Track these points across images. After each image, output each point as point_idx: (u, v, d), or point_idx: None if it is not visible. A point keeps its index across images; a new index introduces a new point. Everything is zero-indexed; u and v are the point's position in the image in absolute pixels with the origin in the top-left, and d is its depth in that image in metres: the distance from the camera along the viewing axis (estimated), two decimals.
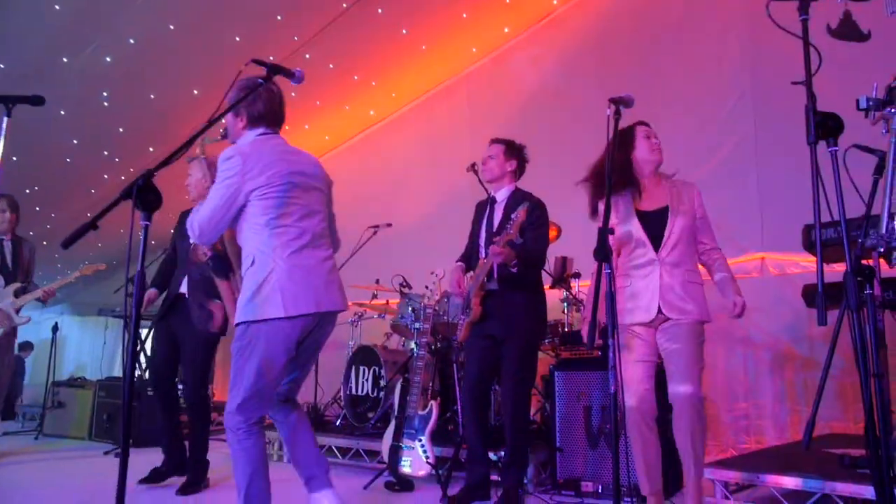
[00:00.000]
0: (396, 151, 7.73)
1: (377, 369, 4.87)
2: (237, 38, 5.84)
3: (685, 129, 5.34)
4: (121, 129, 6.46)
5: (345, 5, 5.86)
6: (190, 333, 3.83)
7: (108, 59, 5.64)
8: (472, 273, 3.63)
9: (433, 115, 7.55)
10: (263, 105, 2.58)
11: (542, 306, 3.55)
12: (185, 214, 4.00)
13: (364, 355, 5.03)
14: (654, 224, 2.79)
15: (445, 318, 4.64)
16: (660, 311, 2.74)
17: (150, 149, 6.95)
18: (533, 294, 3.52)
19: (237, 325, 2.38)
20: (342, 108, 7.56)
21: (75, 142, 6.46)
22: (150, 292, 4.19)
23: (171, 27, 5.48)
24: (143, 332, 6.98)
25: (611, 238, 2.96)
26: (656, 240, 2.79)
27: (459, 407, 3.91)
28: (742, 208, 5.09)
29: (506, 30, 6.96)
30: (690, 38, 5.70)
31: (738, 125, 5.29)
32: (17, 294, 4.61)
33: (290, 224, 2.41)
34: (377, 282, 5.63)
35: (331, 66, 6.72)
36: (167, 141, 6.84)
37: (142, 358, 6.77)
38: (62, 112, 6.01)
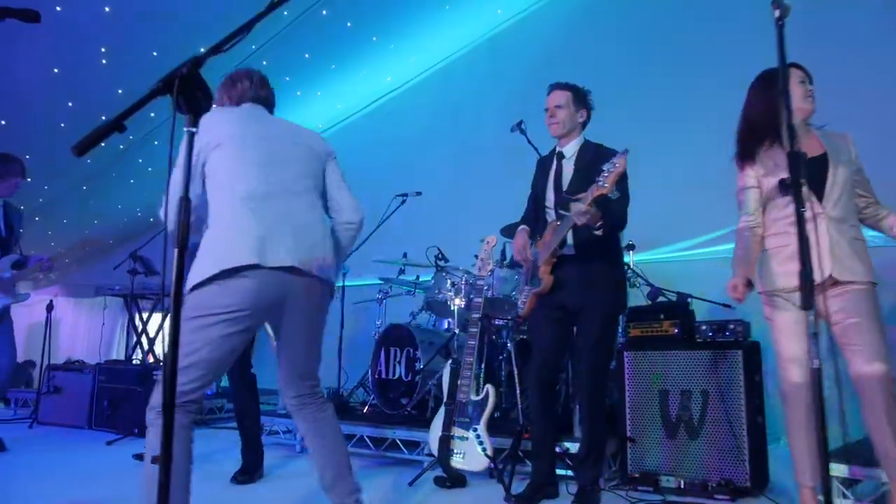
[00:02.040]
0: (416, 118, 7.21)
1: (411, 350, 4.38)
2: None
3: None
4: (119, 91, 5.90)
5: None
6: None
7: (106, 9, 5.09)
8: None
9: (455, 81, 7.03)
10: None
11: (624, 275, 3.08)
12: None
13: (396, 335, 4.53)
14: (813, 173, 2.35)
15: (490, 292, 4.16)
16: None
17: (152, 114, 6.41)
18: (614, 260, 3.05)
19: None
20: (358, 73, 7.02)
21: (70, 104, 5.91)
22: None
23: None
24: (145, 314, 6.47)
25: (753, 194, 2.54)
26: (817, 191, 2.38)
27: (519, 390, 3.43)
28: None
29: None
30: None
31: None
32: (16, 266, 4.09)
33: None
34: (405, 255, 5.14)
35: (349, 24, 6.20)
36: (169, 103, 6.30)
37: (144, 340, 6.28)
38: (55, 70, 5.46)
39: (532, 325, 3.20)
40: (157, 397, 1.90)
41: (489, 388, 3.34)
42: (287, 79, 6.38)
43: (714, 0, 5.42)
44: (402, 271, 5.19)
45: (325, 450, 2.19)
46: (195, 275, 1.96)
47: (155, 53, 5.58)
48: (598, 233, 2.80)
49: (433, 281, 4.47)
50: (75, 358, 6.78)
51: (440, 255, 4.53)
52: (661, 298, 4.11)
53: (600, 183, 2.55)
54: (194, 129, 1.33)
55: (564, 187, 3.08)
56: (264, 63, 6.22)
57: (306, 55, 6.32)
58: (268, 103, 2.38)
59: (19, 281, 4.11)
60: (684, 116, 5.31)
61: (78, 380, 5.53)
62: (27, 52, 5.00)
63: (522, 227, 3.27)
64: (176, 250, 1.23)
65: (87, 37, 5.23)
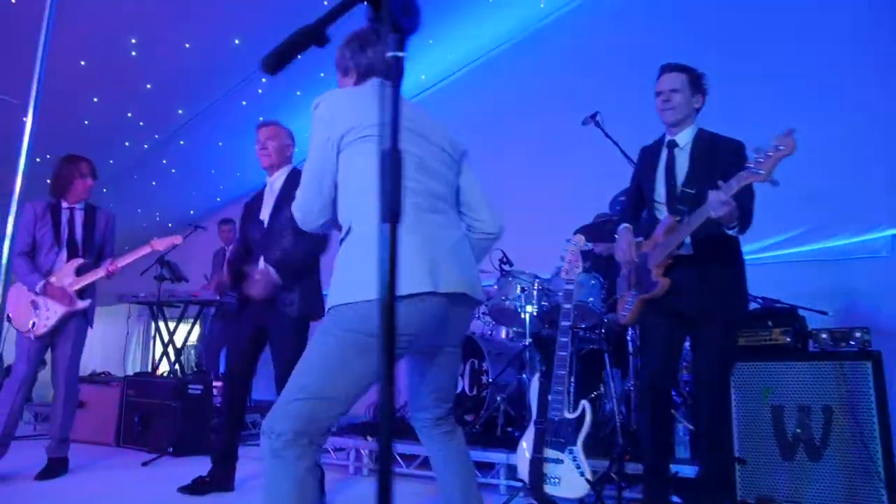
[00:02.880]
0: (454, 117, 6.86)
1: (476, 362, 4.04)
2: None
3: None
4: (148, 86, 5.58)
5: None
6: (278, 319, 3.19)
7: None
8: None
9: (494, 77, 6.69)
10: (373, 52, 1.99)
11: (744, 277, 2.74)
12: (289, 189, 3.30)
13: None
14: None
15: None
16: None
17: (180, 111, 6.09)
18: (735, 261, 2.71)
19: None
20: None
21: (95, 100, 5.57)
22: (222, 280, 3.45)
23: None
24: (172, 324, 6.12)
25: None
26: None
27: (625, 407, 3.09)
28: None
29: None
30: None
31: None
32: (79, 272, 3.75)
33: None
34: None
35: None
36: (200, 99, 5.99)
37: (170, 350, 5.93)
38: (82, 62, 5.13)
39: (645, 332, 2.86)
40: (285, 423, 1.60)
41: (585, 404, 3.00)
42: (322, 74, 6.06)
43: None
44: None
45: (455, 475, 1.97)
46: (352, 291, 1.69)
47: (187, 45, 5.25)
48: (732, 231, 2.47)
49: (497, 287, 4.13)
50: (97, 370, 6.43)
51: (505, 259, 4.19)
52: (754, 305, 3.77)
53: (752, 169, 2.21)
54: (401, 54, 0.98)
55: (679, 181, 2.76)
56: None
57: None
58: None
59: (80, 287, 3.74)
60: (745, 112, 5.00)
61: (104, 393, 5.16)
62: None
63: (625, 225, 2.95)
64: (388, 256, 0.89)
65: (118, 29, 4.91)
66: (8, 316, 3.71)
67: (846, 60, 4.69)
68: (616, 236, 2.98)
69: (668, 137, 2.86)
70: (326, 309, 1.76)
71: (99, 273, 3.75)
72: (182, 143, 6.52)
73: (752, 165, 2.22)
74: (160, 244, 3.91)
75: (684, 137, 2.81)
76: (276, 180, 3.39)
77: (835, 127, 4.48)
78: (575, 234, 3.28)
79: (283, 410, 1.63)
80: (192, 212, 8.44)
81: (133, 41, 5.10)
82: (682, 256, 2.67)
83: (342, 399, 1.66)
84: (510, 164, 5.88)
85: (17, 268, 3.69)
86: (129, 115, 5.83)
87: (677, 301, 2.67)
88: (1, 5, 4.50)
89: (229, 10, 5.04)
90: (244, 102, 6.17)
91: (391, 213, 0.89)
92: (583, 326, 3.82)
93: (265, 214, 3.36)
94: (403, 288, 1.64)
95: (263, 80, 6.00)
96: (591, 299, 3.82)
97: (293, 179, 3.33)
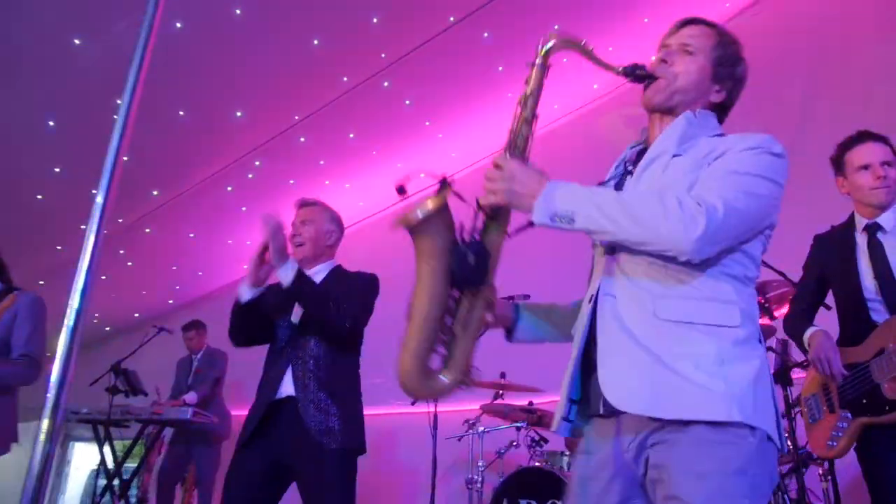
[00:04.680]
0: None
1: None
2: (315, 42, 4.40)
3: None
4: (125, 158, 4.71)
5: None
6: (309, 453, 2.24)
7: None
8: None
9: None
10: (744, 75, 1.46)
11: None
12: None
13: (531, 482, 3.32)
14: None
15: None
16: None
17: (155, 192, 5.20)
18: None
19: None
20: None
21: (57, 170, 4.63)
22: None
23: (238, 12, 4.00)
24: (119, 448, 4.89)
25: None
26: None
27: None
28: None
29: None
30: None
31: None
32: None
33: None
34: (503, 376, 4.00)
35: (407, 102, 5.36)
36: (178, 183, 5.15)
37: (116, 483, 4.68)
38: (51, 123, 4.26)
39: (872, 472, 2.16)
40: None
41: None
42: (322, 162, 5.40)
43: None
44: (499, 395, 4.03)
45: None
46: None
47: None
48: None
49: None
50: None
51: None
52: None
53: None
54: None
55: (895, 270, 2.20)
56: (302, 140, 5.25)
57: (350, 135, 5.39)
58: None
59: None
60: None
61: None
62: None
63: (821, 328, 2.33)
64: None
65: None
66: None
67: None
68: (806, 342, 2.35)
69: (863, 220, 2.33)
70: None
71: None
72: (147, 231, 5.57)
73: None
74: None
75: (889, 220, 2.29)
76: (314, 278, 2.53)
77: None
78: None
79: None
80: (136, 314, 7.29)
81: (118, 102, 4.29)
82: None
83: None
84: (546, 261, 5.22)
85: None
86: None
87: None
88: None
89: (228, 77, 4.37)
90: (230, 188, 5.39)
91: None
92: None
93: (295, 313, 2.48)
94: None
95: (257, 162, 5.28)
96: None
97: (336, 280, 2.52)
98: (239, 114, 4.67)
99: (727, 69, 1.39)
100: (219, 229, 5.89)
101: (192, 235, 5.89)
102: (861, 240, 2.32)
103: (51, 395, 0.94)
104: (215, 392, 5.16)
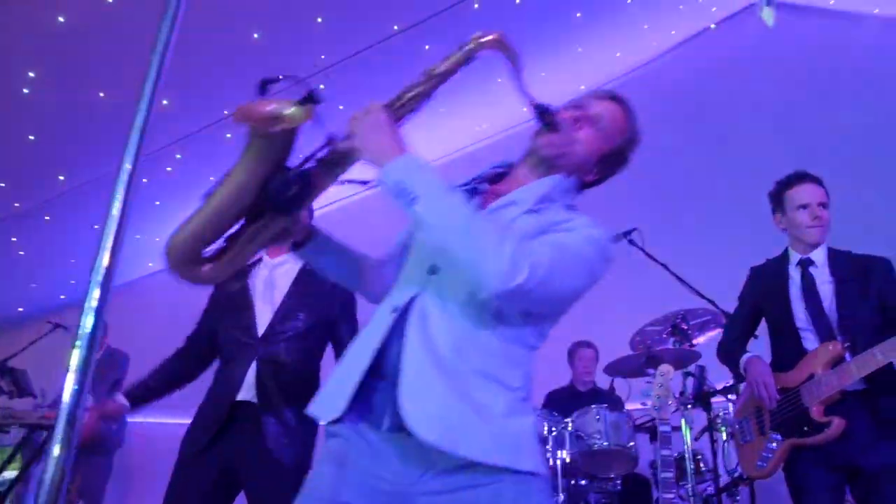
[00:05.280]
0: None
1: None
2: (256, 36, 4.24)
3: None
4: (31, 137, 4.33)
5: None
6: (264, 468, 2.07)
7: None
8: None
9: None
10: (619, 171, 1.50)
11: None
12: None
13: None
14: None
15: (591, 441, 3.18)
16: None
17: (61, 177, 4.80)
18: None
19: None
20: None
21: None
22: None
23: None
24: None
25: None
26: None
27: None
28: None
29: None
30: None
31: None
32: None
33: None
34: None
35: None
36: (89, 170, 4.78)
37: None
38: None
39: (798, 492, 2.28)
40: None
41: None
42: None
43: None
44: None
45: None
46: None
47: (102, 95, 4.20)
48: None
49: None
50: None
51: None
52: None
53: None
54: None
55: (825, 303, 2.37)
56: (228, 136, 5.03)
57: None
58: None
59: None
60: None
61: None
62: None
63: (756, 355, 2.47)
64: None
65: None
66: None
67: None
68: (742, 368, 2.47)
69: (797, 255, 2.50)
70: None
71: None
72: (47, 218, 5.11)
73: None
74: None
75: (819, 255, 2.48)
76: (282, 266, 2.38)
77: None
78: (661, 365, 2.72)
79: None
80: (20, 309, 6.65)
81: (31, 75, 3.95)
82: (849, 392, 2.22)
83: None
84: None
85: None
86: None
87: (849, 448, 2.17)
88: None
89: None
90: (145, 180, 5.06)
91: None
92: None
93: (265, 310, 2.35)
94: None
95: (178, 156, 5.00)
96: (631, 444, 3.20)
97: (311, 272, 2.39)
98: (165, 102, 4.40)
99: (614, 163, 1.41)
100: (128, 223, 5.50)
101: (96, 227, 5.46)
102: (795, 273, 2.48)
103: None
104: (113, 396, 4.79)
